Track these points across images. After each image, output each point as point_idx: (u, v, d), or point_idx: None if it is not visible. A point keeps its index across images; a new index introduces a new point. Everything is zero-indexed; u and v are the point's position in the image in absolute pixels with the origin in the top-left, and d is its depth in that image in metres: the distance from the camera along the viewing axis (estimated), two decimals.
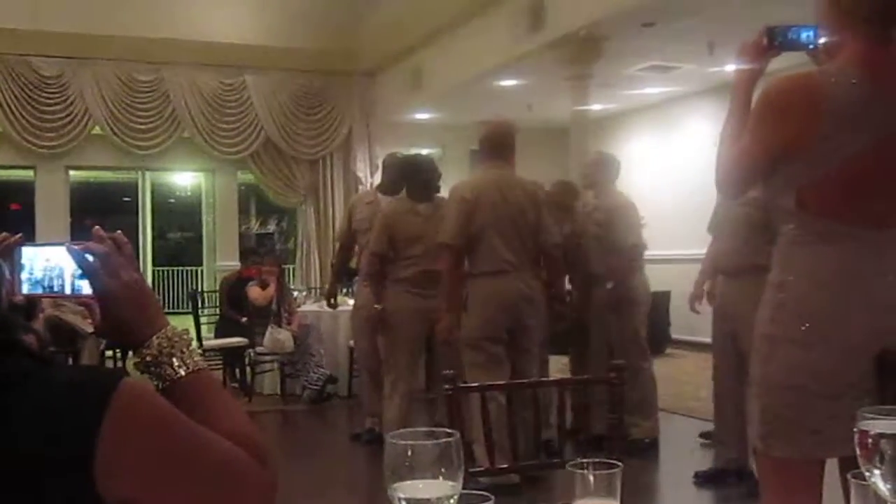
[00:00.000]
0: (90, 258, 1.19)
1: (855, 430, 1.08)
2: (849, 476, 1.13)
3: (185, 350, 1.18)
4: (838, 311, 2.09)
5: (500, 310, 4.96)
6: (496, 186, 5.06)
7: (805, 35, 2.14)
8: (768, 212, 4.31)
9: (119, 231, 1.25)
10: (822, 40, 2.14)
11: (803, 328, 2.10)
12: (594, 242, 5.83)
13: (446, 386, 2.24)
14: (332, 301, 6.86)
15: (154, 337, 1.17)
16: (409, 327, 5.74)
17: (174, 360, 1.16)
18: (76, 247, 1.21)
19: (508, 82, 9.97)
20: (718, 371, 4.95)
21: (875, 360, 2.07)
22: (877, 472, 1.05)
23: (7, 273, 1.20)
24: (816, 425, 2.08)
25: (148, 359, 1.17)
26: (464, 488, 1.05)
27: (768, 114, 2.10)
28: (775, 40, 2.15)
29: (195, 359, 1.18)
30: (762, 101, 2.10)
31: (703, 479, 4.97)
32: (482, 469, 2.41)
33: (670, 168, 10.98)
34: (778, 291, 2.17)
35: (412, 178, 5.90)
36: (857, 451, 1.07)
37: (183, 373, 1.16)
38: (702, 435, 5.87)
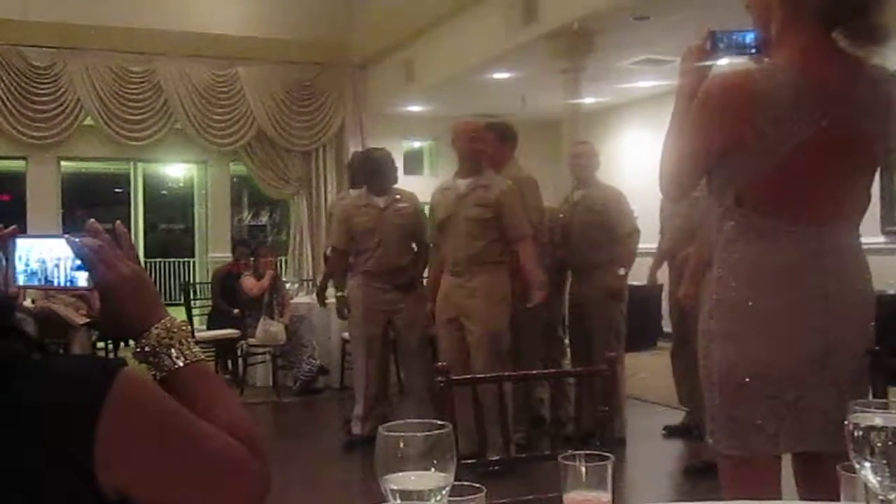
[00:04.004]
0: (89, 250, 1.19)
1: (846, 422, 1.08)
2: (838, 468, 1.13)
3: (183, 341, 1.18)
4: (776, 306, 2.08)
5: None
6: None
7: (748, 39, 2.14)
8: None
9: (118, 221, 1.26)
10: (764, 43, 2.13)
11: (738, 324, 2.10)
12: (590, 230, 5.79)
13: (438, 378, 2.24)
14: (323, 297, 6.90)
15: (153, 327, 1.18)
16: (365, 323, 5.80)
17: (172, 350, 1.17)
18: (75, 239, 1.21)
19: (501, 75, 9.97)
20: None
21: (818, 356, 2.07)
22: (867, 464, 1.06)
23: (2, 264, 1.20)
24: (759, 422, 2.08)
25: (147, 349, 1.17)
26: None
27: (706, 113, 2.08)
28: (719, 44, 2.14)
29: (193, 350, 1.18)
30: (700, 101, 2.09)
31: (696, 472, 5.00)
32: (472, 460, 2.42)
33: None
34: (716, 287, 2.17)
35: (370, 171, 5.93)
36: (848, 444, 1.08)
37: (181, 363, 1.16)
38: (665, 428, 5.92)
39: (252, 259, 8.53)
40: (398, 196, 5.82)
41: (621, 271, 5.67)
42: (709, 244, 4.87)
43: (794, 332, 2.07)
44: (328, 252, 6.73)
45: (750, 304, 2.10)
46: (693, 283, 5.17)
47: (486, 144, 5.36)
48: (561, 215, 5.95)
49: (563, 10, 7.83)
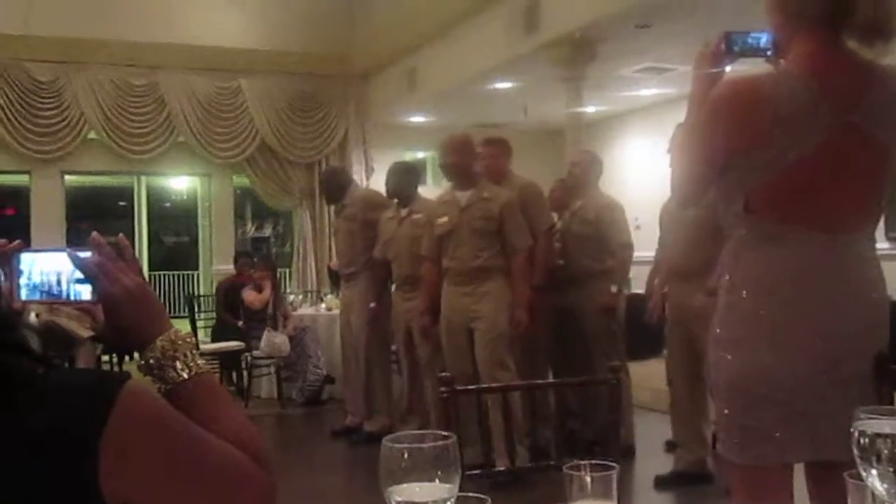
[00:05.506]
0: (91, 264, 1.19)
1: (852, 430, 1.08)
2: (845, 475, 1.13)
3: (188, 353, 1.18)
4: (786, 314, 2.06)
5: None
6: None
7: (763, 41, 2.10)
8: (717, 213, 4.29)
9: (121, 234, 1.26)
10: (779, 45, 2.11)
11: (748, 332, 2.08)
12: (583, 241, 5.79)
13: (441, 388, 2.23)
14: None
15: (158, 340, 1.18)
16: (397, 329, 5.97)
17: (177, 363, 1.17)
18: (77, 253, 1.21)
19: (503, 84, 9.97)
20: (674, 375, 4.96)
21: (829, 364, 2.05)
22: (874, 471, 1.05)
23: (5, 279, 1.20)
24: (770, 430, 2.06)
25: (151, 361, 1.17)
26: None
27: (716, 118, 2.06)
28: (733, 46, 2.11)
29: (198, 362, 1.18)
30: (710, 106, 2.07)
31: (663, 483, 4.98)
32: (478, 471, 2.41)
33: (664, 170, 10.93)
34: (727, 295, 2.14)
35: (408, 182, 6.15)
36: (854, 451, 1.07)
37: (186, 376, 1.16)
38: (667, 443, 5.84)
39: (252, 271, 8.56)
40: (418, 208, 5.94)
41: (613, 289, 5.65)
42: (680, 257, 4.87)
43: (804, 341, 2.05)
44: (331, 264, 6.83)
45: (760, 312, 2.08)
46: (658, 294, 5.15)
47: (473, 157, 5.39)
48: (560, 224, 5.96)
49: (565, 19, 7.84)
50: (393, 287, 6.21)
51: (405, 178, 6.06)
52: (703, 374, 4.50)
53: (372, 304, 6.30)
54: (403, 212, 5.90)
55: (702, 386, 4.73)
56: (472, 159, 5.36)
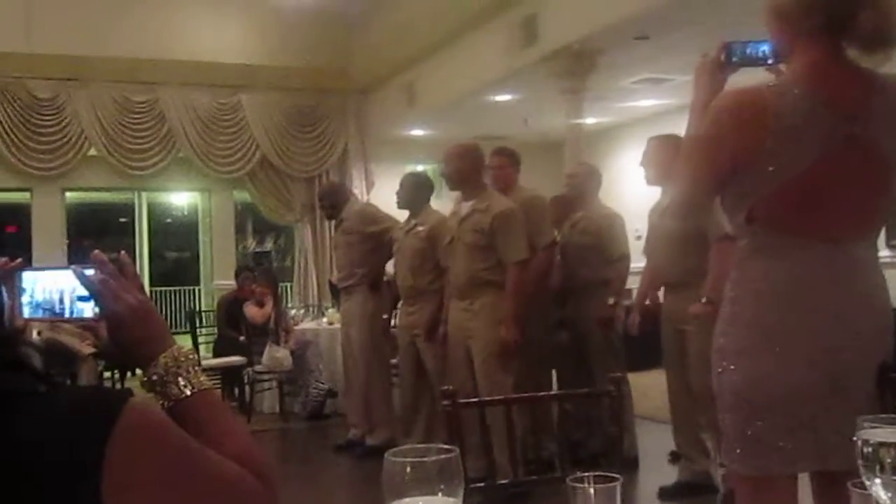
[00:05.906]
0: (94, 281, 1.20)
1: (855, 438, 1.08)
2: (849, 485, 1.13)
3: (191, 370, 1.19)
4: (789, 324, 2.05)
5: None
6: None
7: (764, 50, 2.09)
8: (701, 222, 4.27)
9: (123, 252, 1.26)
10: (780, 53, 2.10)
11: (751, 341, 2.08)
12: (583, 252, 5.79)
13: (444, 402, 2.23)
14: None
15: (161, 356, 1.18)
16: (402, 344, 5.85)
17: (180, 379, 1.17)
18: (82, 270, 1.21)
19: (503, 97, 9.99)
20: (672, 386, 4.96)
21: (832, 373, 2.04)
22: (878, 480, 1.05)
23: (7, 297, 1.20)
24: (774, 440, 2.05)
25: (154, 378, 1.18)
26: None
27: (718, 131, 2.06)
28: (733, 56, 2.10)
29: (200, 378, 1.19)
30: (711, 119, 2.06)
31: (667, 494, 4.96)
32: (482, 483, 2.41)
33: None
34: (730, 305, 2.14)
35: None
36: (858, 461, 1.07)
37: (188, 392, 1.17)
38: (671, 454, 5.80)
39: (254, 286, 8.57)
40: (426, 220, 5.88)
41: (611, 300, 5.64)
42: (668, 267, 4.87)
43: (807, 351, 2.04)
44: (332, 279, 6.84)
45: (762, 321, 2.07)
46: (640, 304, 5.16)
47: (472, 165, 5.33)
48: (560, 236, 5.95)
49: (564, 32, 7.86)
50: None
51: (416, 189, 6.00)
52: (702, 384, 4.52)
53: (385, 316, 6.33)
54: (411, 223, 5.87)
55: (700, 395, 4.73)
56: (471, 168, 5.26)
